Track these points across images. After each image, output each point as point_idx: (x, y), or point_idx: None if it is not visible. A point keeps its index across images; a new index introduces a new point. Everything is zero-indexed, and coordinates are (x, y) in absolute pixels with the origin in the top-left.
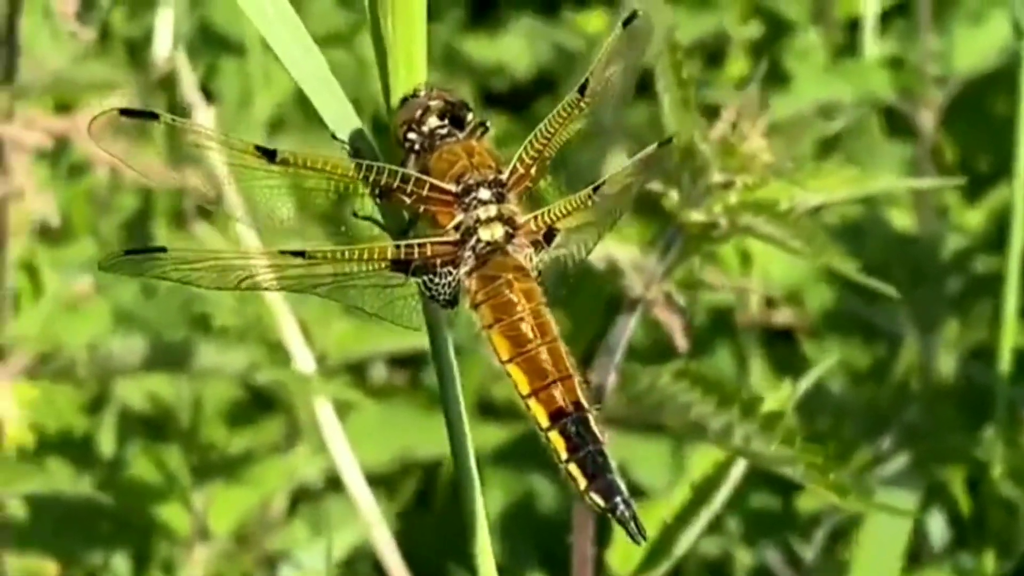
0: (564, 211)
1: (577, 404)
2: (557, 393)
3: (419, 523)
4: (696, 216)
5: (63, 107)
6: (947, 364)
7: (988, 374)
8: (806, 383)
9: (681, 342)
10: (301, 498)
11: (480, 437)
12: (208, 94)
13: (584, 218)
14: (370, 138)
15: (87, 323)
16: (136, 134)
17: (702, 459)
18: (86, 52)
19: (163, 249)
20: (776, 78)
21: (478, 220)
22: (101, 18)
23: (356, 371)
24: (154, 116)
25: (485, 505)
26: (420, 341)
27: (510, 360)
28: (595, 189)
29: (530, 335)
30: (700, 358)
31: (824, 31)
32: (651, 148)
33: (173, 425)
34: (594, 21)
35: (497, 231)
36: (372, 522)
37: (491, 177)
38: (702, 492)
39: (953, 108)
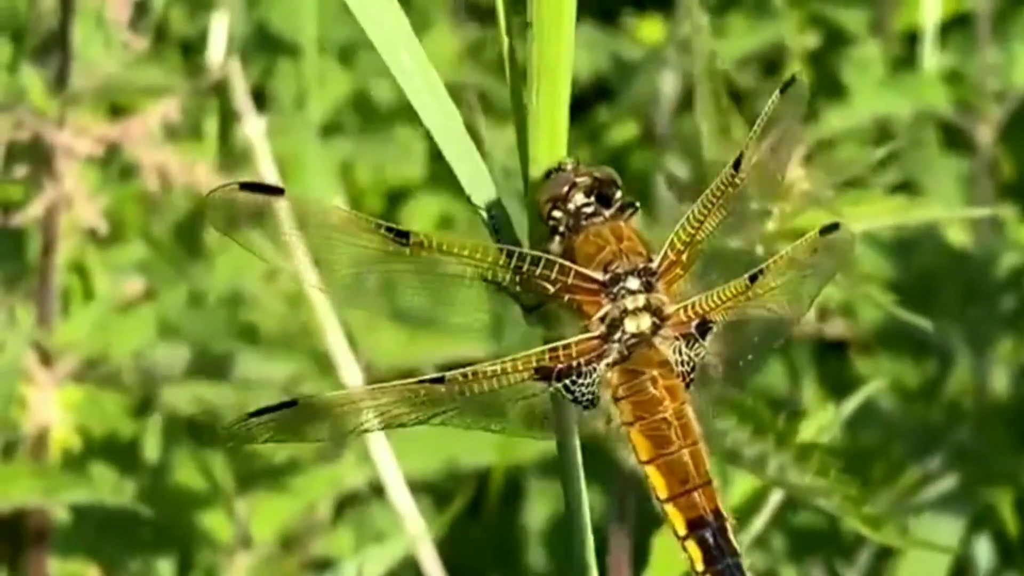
0: (719, 301)
1: (716, 512)
2: (697, 500)
3: (467, 533)
4: (733, 244)
5: (117, 111)
6: (1000, 383)
7: None
8: (852, 405)
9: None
10: (347, 504)
11: (524, 449)
12: (262, 97)
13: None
14: (507, 211)
15: (134, 330)
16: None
17: (743, 482)
18: (139, 56)
19: (293, 403)
20: (833, 89)
21: (625, 311)
22: (155, 20)
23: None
24: (279, 192)
25: (529, 518)
26: (472, 349)
27: (650, 462)
28: (752, 278)
29: (672, 437)
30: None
31: (883, 42)
32: (813, 234)
33: (218, 435)
34: (651, 29)
35: (644, 322)
36: (415, 533)
37: (641, 265)
38: (743, 516)
39: (1012, 123)
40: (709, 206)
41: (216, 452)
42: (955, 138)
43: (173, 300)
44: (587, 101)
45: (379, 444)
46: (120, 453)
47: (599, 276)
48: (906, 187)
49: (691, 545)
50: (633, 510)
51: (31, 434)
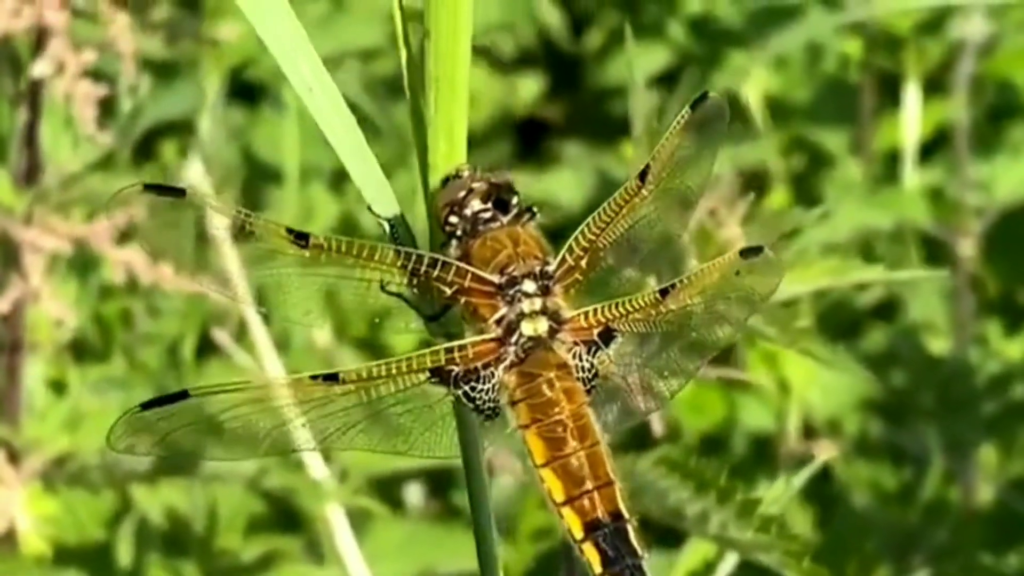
0: (623, 311)
1: (615, 514)
2: (594, 502)
3: None
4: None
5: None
6: (985, 490)
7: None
8: (804, 476)
9: (658, 428)
10: None
11: (508, 555)
12: None
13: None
14: (408, 221)
15: (102, 426)
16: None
17: (693, 554)
18: (118, 162)
19: (184, 394)
20: (815, 207)
21: (522, 314)
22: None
23: (384, 489)
24: (181, 192)
25: None
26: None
27: (545, 464)
28: (663, 292)
29: (568, 439)
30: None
31: (864, 162)
32: (732, 254)
33: (189, 536)
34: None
35: (541, 325)
36: None
37: (537, 268)
38: None
39: (993, 238)
40: (611, 214)
41: (189, 557)
42: (936, 253)
43: (140, 394)
44: (577, 224)
45: (349, 546)
46: (94, 560)
47: (495, 278)
48: (889, 303)
49: (588, 548)
50: None
51: None
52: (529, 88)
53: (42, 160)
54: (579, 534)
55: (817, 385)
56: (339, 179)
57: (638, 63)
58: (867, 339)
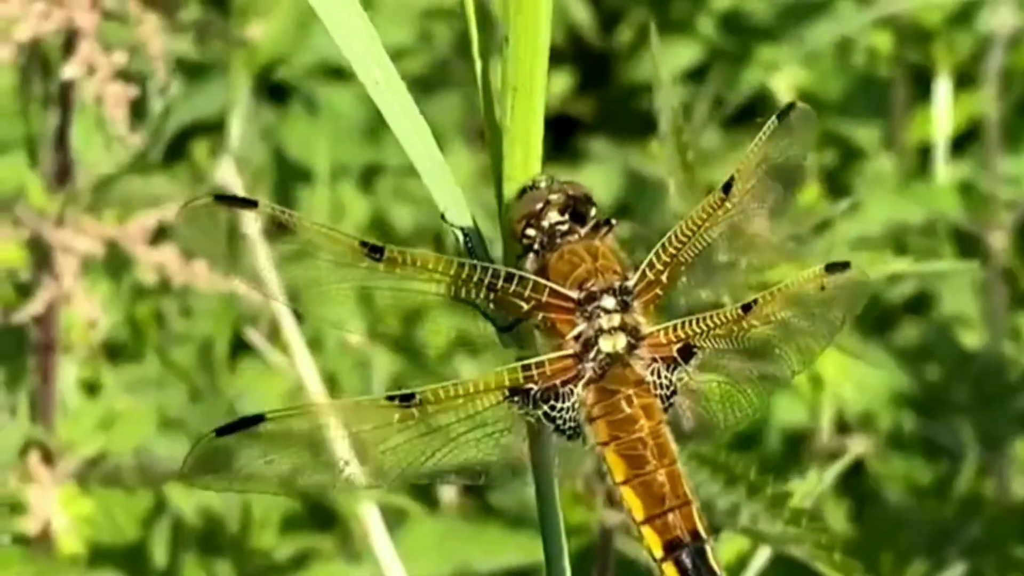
0: (705, 327)
1: (694, 533)
2: (674, 521)
3: None
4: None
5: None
6: (1019, 483)
7: None
8: (836, 470)
9: (687, 422)
10: None
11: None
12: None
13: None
14: (480, 232)
15: (136, 426)
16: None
17: (727, 548)
18: (139, 158)
19: (261, 418)
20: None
21: (600, 330)
22: (159, 132)
23: (418, 486)
24: (252, 204)
25: None
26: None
27: (625, 482)
28: (745, 308)
29: (648, 456)
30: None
31: (896, 157)
32: (817, 268)
33: (224, 536)
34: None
35: (619, 342)
36: None
37: (617, 284)
38: None
39: None
40: (693, 228)
41: (223, 556)
42: (968, 247)
43: (173, 394)
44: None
45: (383, 544)
46: (129, 559)
47: (573, 294)
48: (921, 297)
49: (668, 567)
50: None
51: (33, 533)
52: (558, 84)
53: (73, 162)
54: (659, 553)
55: (850, 380)
56: (368, 178)
57: (667, 59)
58: (900, 333)
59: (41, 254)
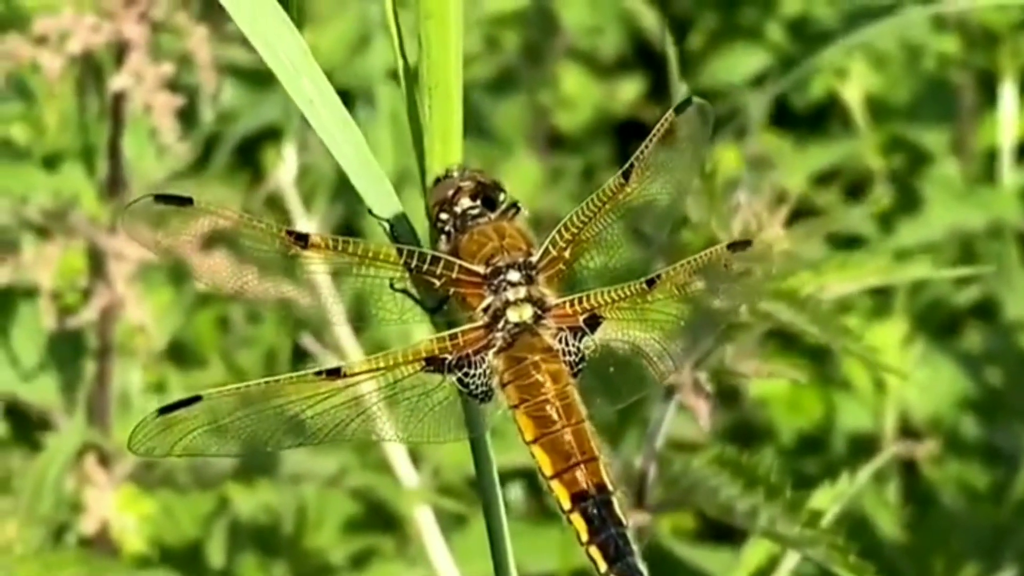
0: (610, 299)
1: (600, 486)
2: (580, 475)
3: None
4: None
5: None
6: None
7: None
8: (868, 471)
9: (705, 424)
10: None
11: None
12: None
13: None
14: (409, 220)
15: None
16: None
17: (757, 550)
18: (209, 170)
19: (198, 398)
20: (913, 207)
21: (507, 302)
22: (218, 140)
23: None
24: (188, 201)
25: None
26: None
27: (534, 441)
28: (650, 283)
29: (555, 416)
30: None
31: (963, 162)
32: (719, 247)
33: (281, 536)
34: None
35: (526, 312)
36: None
37: (521, 259)
38: None
39: None
40: (593, 210)
41: (281, 556)
42: None
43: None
44: None
45: (436, 544)
46: (188, 558)
47: (480, 269)
48: (986, 302)
49: (576, 518)
50: None
51: (90, 533)
52: (628, 91)
53: (126, 170)
54: (567, 504)
55: (914, 384)
56: None
57: (735, 65)
58: (965, 338)
59: (97, 262)
